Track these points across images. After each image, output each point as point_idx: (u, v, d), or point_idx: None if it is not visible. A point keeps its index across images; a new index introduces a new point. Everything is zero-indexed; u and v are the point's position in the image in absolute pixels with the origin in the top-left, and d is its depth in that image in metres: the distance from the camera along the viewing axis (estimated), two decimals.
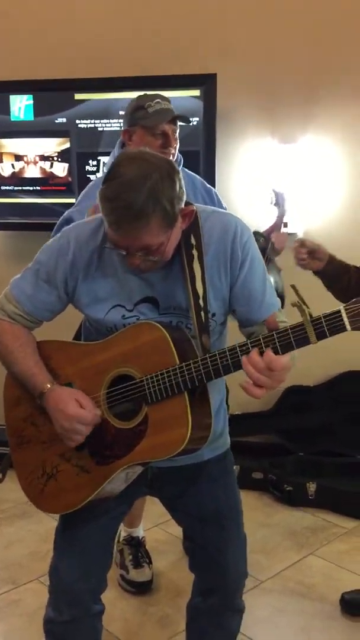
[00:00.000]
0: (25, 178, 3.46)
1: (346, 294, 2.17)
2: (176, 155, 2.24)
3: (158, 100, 2.17)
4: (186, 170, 2.34)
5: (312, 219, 3.32)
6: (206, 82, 3.14)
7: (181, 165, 2.31)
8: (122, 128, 2.25)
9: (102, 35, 3.36)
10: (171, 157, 2.20)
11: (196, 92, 3.18)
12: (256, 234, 2.36)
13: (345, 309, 1.21)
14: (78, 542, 1.59)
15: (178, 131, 2.22)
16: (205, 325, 1.42)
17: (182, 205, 1.37)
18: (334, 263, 2.11)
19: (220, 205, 2.33)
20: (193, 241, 1.44)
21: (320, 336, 1.23)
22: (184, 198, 1.38)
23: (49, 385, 1.48)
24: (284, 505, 3.11)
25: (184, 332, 1.45)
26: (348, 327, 1.20)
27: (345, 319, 1.20)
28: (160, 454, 1.39)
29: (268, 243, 2.38)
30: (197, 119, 3.16)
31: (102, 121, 3.32)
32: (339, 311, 1.21)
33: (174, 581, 2.49)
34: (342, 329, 1.21)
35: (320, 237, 3.33)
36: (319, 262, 2.08)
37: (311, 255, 2.06)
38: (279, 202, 2.55)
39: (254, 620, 2.26)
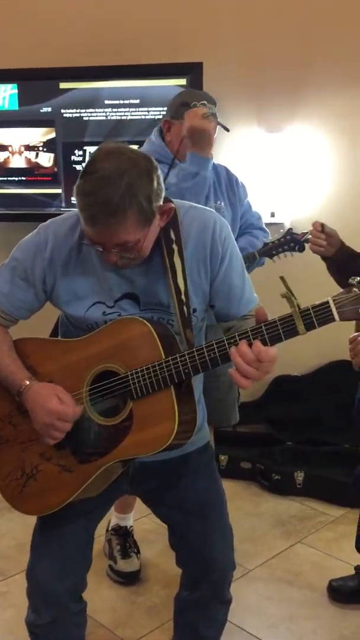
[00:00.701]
0: (10, 168, 3.43)
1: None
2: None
3: (204, 102, 2.20)
4: (214, 164, 2.38)
5: (298, 208, 3.32)
6: (192, 71, 3.13)
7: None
8: (165, 117, 2.29)
9: (87, 23, 3.33)
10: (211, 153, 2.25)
11: (182, 81, 3.16)
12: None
13: (334, 300, 1.21)
14: (56, 543, 1.57)
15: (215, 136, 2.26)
16: (188, 320, 1.42)
17: (161, 202, 1.36)
18: (344, 249, 2.10)
19: (242, 194, 2.40)
20: (173, 236, 1.43)
21: (309, 327, 1.24)
22: (162, 195, 1.37)
23: (27, 382, 1.46)
24: (272, 494, 3.12)
25: (167, 327, 1.44)
26: (336, 317, 1.21)
27: (334, 310, 1.21)
28: (146, 449, 1.38)
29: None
30: None
31: (87, 110, 3.30)
32: (327, 302, 1.22)
33: (163, 571, 2.49)
34: (331, 319, 1.22)
35: (305, 227, 3.35)
36: (331, 247, 2.06)
37: (327, 241, 2.05)
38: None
39: (242, 608, 2.27)
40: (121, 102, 3.24)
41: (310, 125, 3.28)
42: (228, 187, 2.38)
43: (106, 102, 3.27)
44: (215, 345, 1.32)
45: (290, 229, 2.41)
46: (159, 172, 1.36)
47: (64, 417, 1.41)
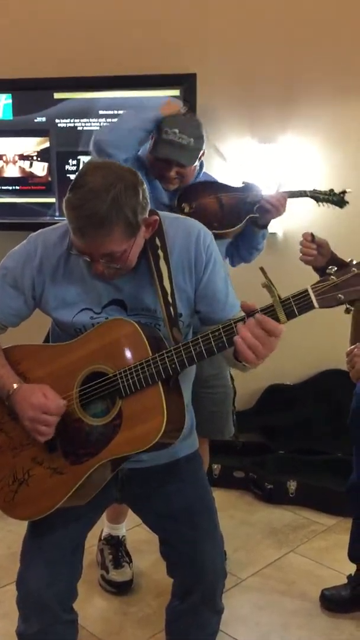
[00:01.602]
0: (4, 178, 3.44)
1: None
2: (190, 177, 2.26)
3: (176, 130, 2.13)
4: (206, 173, 2.40)
5: (291, 219, 3.34)
6: (186, 82, 3.15)
7: (202, 169, 2.36)
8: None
9: (82, 34, 3.35)
10: (170, 187, 2.23)
11: (176, 92, 3.18)
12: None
13: (312, 288, 1.25)
14: (45, 550, 1.57)
15: (192, 167, 2.23)
16: (175, 320, 1.46)
17: (146, 215, 1.42)
18: (335, 260, 2.12)
19: None
20: (158, 243, 1.48)
21: (290, 315, 1.27)
22: (148, 208, 1.43)
23: (15, 385, 1.49)
24: (265, 503, 3.12)
25: (154, 329, 1.48)
26: (316, 304, 1.25)
27: (313, 298, 1.25)
28: (136, 446, 1.39)
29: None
30: None
31: (81, 120, 3.32)
32: (306, 290, 1.26)
33: (155, 581, 2.49)
34: (310, 307, 1.26)
35: (299, 237, 3.37)
36: (322, 257, 2.09)
37: (318, 250, 2.07)
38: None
39: (235, 618, 2.27)
40: (115, 112, 3.26)
41: (302, 136, 3.30)
42: None
43: (100, 112, 3.29)
44: (200, 340, 1.35)
45: (332, 189, 2.43)
46: (144, 185, 1.42)
47: (47, 410, 1.43)
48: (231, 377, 2.49)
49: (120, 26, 3.33)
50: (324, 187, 3.31)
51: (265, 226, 2.37)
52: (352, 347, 2.09)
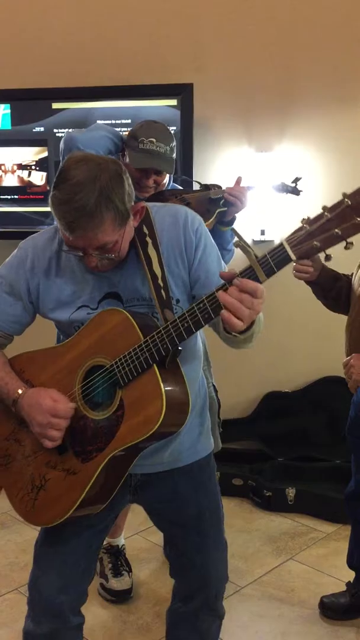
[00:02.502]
0: (2, 187, 3.46)
1: (338, 302, 2.22)
2: (163, 185, 2.30)
3: (152, 139, 2.18)
4: (173, 184, 2.43)
5: (288, 227, 3.35)
6: (183, 92, 3.17)
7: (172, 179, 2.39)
8: (123, 141, 2.28)
9: (79, 44, 3.37)
10: (151, 191, 2.25)
11: (173, 102, 3.20)
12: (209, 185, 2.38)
13: (287, 240, 1.22)
14: (59, 555, 1.58)
15: (167, 175, 2.27)
16: (167, 302, 1.44)
17: (133, 203, 1.42)
18: (327, 272, 2.15)
19: None
20: (146, 230, 1.48)
21: (269, 273, 1.23)
22: (133, 195, 1.43)
23: (20, 391, 1.49)
24: (264, 510, 3.13)
25: (148, 316, 1.47)
26: (292, 256, 1.21)
27: (289, 249, 1.21)
28: (140, 433, 1.37)
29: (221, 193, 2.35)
30: (175, 128, 3.18)
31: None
32: (281, 244, 1.22)
33: (154, 589, 2.49)
34: (287, 259, 1.22)
35: None
36: (313, 271, 2.13)
37: (312, 266, 2.12)
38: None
39: (234, 626, 2.27)
40: (113, 122, 3.28)
41: (299, 145, 3.33)
42: None
43: (98, 122, 3.30)
44: (187, 314, 1.32)
45: (283, 182, 2.48)
46: (127, 175, 1.42)
47: (57, 413, 1.44)
48: (215, 388, 2.47)
49: (118, 37, 3.36)
50: (319, 194, 3.35)
51: (231, 223, 2.39)
52: (348, 358, 2.11)
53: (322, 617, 2.33)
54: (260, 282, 1.24)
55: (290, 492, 3.09)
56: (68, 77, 3.26)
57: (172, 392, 1.38)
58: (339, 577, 2.49)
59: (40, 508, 1.53)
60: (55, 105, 3.33)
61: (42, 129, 3.36)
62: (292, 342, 3.44)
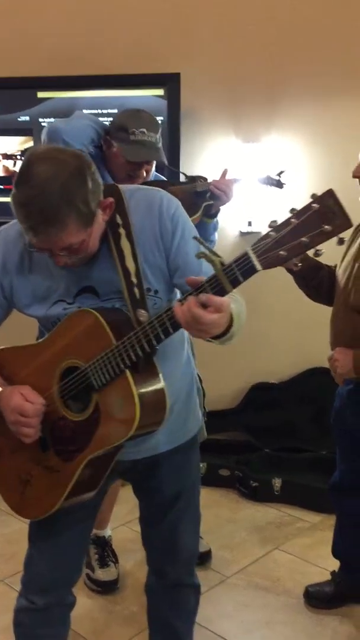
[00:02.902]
0: None
1: (319, 292, 2.22)
2: (148, 178, 2.28)
3: (143, 129, 2.16)
4: (157, 174, 2.41)
5: (275, 217, 3.35)
6: (170, 82, 3.14)
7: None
8: (105, 131, 2.24)
9: (65, 33, 3.34)
10: (140, 181, 2.23)
11: (160, 92, 3.18)
12: (195, 177, 2.37)
13: (252, 248, 1.15)
14: (54, 533, 1.59)
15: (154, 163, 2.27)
16: (140, 300, 1.41)
17: (100, 198, 1.36)
18: (308, 261, 2.13)
19: None
20: (119, 220, 1.43)
21: (235, 283, 1.17)
22: (100, 190, 1.37)
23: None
24: (250, 501, 3.14)
25: (122, 312, 1.43)
26: (258, 266, 1.14)
27: (254, 259, 1.14)
28: (115, 437, 1.38)
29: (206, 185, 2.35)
30: (161, 118, 3.16)
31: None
32: (245, 253, 1.15)
33: (140, 579, 2.47)
34: (253, 270, 1.15)
35: None
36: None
37: None
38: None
39: (219, 615, 2.28)
40: (99, 111, 3.25)
41: (286, 136, 3.32)
42: None
43: (84, 111, 3.28)
44: (155, 321, 1.30)
45: (268, 175, 2.50)
46: (92, 168, 1.35)
47: (24, 412, 1.43)
48: (199, 378, 2.47)
49: (104, 26, 3.33)
50: (306, 186, 3.35)
51: (215, 215, 2.38)
52: (332, 352, 2.12)
53: (307, 606, 2.35)
54: (227, 292, 1.20)
55: (277, 483, 3.10)
56: (53, 66, 3.23)
57: (146, 394, 1.36)
58: (324, 567, 2.51)
59: (28, 502, 1.55)
60: (40, 95, 3.29)
61: (27, 118, 3.32)
62: (279, 334, 3.44)
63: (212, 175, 2.54)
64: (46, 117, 3.30)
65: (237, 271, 1.16)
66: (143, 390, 1.36)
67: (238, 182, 2.42)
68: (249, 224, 3.36)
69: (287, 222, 1.11)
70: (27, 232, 1.32)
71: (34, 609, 1.62)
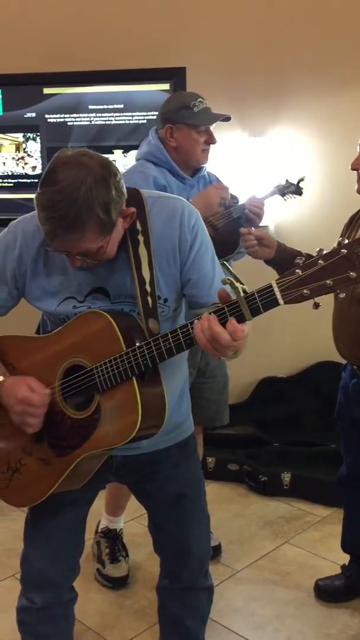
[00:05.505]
0: None
1: None
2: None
3: (200, 99, 2.30)
4: (207, 170, 2.44)
5: (282, 212, 3.35)
6: (175, 76, 3.14)
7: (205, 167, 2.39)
8: (158, 126, 2.31)
9: (70, 29, 3.33)
10: (205, 161, 2.34)
11: (166, 86, 3.18)
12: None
13: (277, 283, 1.18)
14: (47, 531, 1.61)
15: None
16: (153, 310, 1.42)
17: (123, 206, 1.37)
18: (285, 250, 2.13)
19: None
20: (139, 227, 1.44)
21: (255, 312, 1.21)
22: (123, 198, 1.38)
23: (1, 378, 1.50)
24: (259, 495, 3.14)
25: (133, 318, 1.45)
26: (280, 301, 1.18)
27: (277, 293, 1.17)
28: (113, 441, 1.40)
29: (236, 203, 2.34)
30: None
31: (71, 116, 3.30)
32: (270, 285, 1.18)
33: (151, 574, 2.50)
34: (275, 303, 1.18)
35: (290, 230, 3.38)
36: (267, 249, 2.09)
37: (259, 242, 2.08)
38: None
39: (230, 609, 2.28)
40: (105, 107, 3.25)
41: (293, 129, 3.31)
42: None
43: (90, 107, 3.28)
44: (170, 336, 1.32)
45: (287, 179, 2.46)
46: (118, 176, 1.36)
47: (32, 402, 1.44)
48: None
49: (110, 20, 3.32)
50: (314, 179, 3.34)
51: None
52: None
53: (317, 599, 2.35)
54: (245, 320, 1.22)
55: (286, 477, 3.10)
56: (59, 62, 3.23)
57: (149, 402, 1.38)
58: (334, 560, 2.51)
59: (15, 490, 1.57)
60: (46, 90, 3.29)
61: (33, 114, 3.32)
62: (287, 328, 3.43)
63: (218, 169, 2.53)
64: (52, 113, 3.30)
65: (259, 302, 1.20)
66: (146, 398, 1.38)
67: (272, 196, 2.41)
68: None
69: (314, 262, 1.15)
70: (46, 235, 1.34)
71: (34, 607, 1.63)
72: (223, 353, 1.26)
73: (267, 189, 2.44)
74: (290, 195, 2.44)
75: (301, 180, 2.40)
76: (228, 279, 1.22)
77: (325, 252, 1.14)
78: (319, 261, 1.14)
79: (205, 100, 2.31)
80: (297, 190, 2.43)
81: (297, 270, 1.16)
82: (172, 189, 2.21)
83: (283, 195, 2.44)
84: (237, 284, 1.21)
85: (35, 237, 1.49)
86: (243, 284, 1.22)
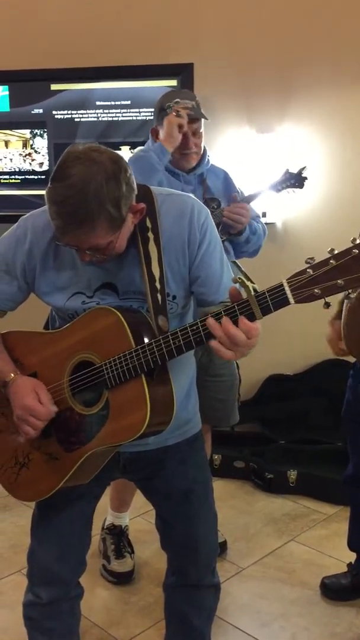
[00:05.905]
0: (1, 170, 3.43)
1: None
2: (201, 149, 2.31)
3: (177, 100, 2.22)
4: (214, 165, 2.41)
5: (289, 209, 3.34)
6: (183, 72, 3.14)
7: (208, 161, 2.37)
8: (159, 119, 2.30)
9: (78, 25, 3.33)
10: (194, 155, 2.28)
11: (173, 82, 3.17)
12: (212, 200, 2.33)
13: (288, 282, 1.18)
14: (54, 526, 1.61)
15: (202, 127, 2.29)
16: (162, 307, 1.43)
17: (133, 202, 1.37)
18: None
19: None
20: (149, 224, 1.44)
21: (265, 311, 1.21)
22: (134, 194, 1.38)
23: (12, 375, 1.50)
24: (265, 493, 3.13)
25: (142, 315, 1.45)
26: (291, 300, 1.18)
27: (288, 292, 1.18)
28: (122, 437, 1.40)
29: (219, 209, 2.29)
30: None
31: (79, 112, 3.30)
32: (281, 285, 1.18)
33: (156, 570, 2.50)
34: (286, 302, 1.19)
35: (297, 226, 3.37)
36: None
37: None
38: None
39: (235, 607, 2.28)
40: (112, 103, 3.25)
41: (300, 126, 3.29)
42: (224, 191, 2.39)
43: (97, 103, 3.28)
44: (179, 334, 1.32)
45: (287, 169, 2.43)
46: (128, 172, 1.36)
47: (37, 415, 1.45)
48: (237, 365, 2.50)
49: (117, 17, 3.31)
50: (321, 175, 3.32)
51: (240, 233, 2.35)
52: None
53: (323, 597, 2.35)
54: (256, 319, 1.22)
55: (292, 474, 3.09)
56: (66, 58, 3.23)
57: (157, 399, 1.39)
58: (340, 558, 2.50)
59: (22, 484, 1.57)
60: (53, 87, 3.30)
61: (40, 110, 3.32)
62: (294, 325, 3.42)
63: (226, 165, 2.52)
64: (60, 110, 3.30)
65: (270, 301, 1.20)
66: (155, 395, 1.38)
67: (258, 197, 2.37)
68: (264, 214, 3.33)
69: (325, 262, 1.15)
70: (56, 230, 1.34)
71: (40, 603, 1.63)
72: (241, 353, 1.26)
73: (258, 187, 2.41)
74: (288, 189, 2.40)
75: (303, 169, 2.36)
76: (239, 278, 1.22)
77: (336, 251, 1.14)
78: (331, 261, 1.14)
79: (185, 101, 2.23)
80: (299, 181, 2.38)
81: (308, 270, 1.16)
82: (164, 184, 2.19)
83: (278, 190, 2.41)
84: (248, 283, 1.21)
85: (45, 232, 1.49)
86: (254, 283, 1.22)
